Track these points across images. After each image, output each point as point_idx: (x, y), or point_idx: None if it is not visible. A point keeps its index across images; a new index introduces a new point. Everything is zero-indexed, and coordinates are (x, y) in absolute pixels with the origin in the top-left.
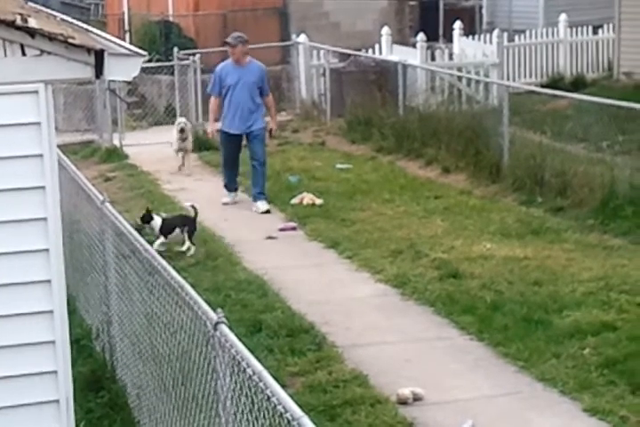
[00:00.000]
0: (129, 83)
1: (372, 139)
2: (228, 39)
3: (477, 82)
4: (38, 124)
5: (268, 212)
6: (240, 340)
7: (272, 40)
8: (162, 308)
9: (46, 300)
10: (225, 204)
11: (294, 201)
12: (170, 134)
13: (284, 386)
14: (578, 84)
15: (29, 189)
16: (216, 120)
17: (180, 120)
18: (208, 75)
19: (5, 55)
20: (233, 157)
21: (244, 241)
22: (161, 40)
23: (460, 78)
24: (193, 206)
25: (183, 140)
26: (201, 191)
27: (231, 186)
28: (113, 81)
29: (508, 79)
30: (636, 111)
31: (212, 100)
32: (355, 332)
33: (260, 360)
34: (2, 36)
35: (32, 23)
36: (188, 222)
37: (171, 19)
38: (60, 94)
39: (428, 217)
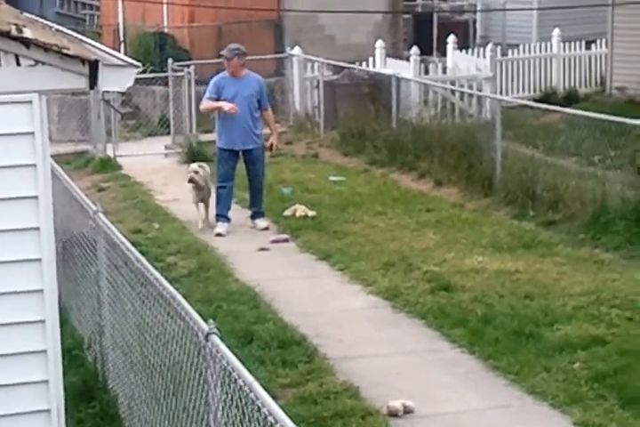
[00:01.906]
0: (123, 93)
1: (365, 151)
2: (224, 52)
3: (470, 96)
4: (32, 133)
5: (267, 228)
6: (231, 351)
7: (266, 52)
8: (154, 318)
9: (38, 309)
10: (219, 235)
11: (287, 213)
12: (160, 146)
13: (274, 397)
14: (570, 98)
15: (22, 198)
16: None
17: (192, 168)
18: (202, 86)
19: (0, 65)
20: (230, 175)
21: (236, 252)
22: (156, 51)
23: (453, 92)
24: None
25: (200, 189)
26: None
27: (224, 214)
28: (107, 92)
29: (501, 93)
30: (627, 126)
31: (206, 102)
32: (346, 344)
33: (251, 372)
34: None
35: (27, 33)
36: None
37: (166, 30)
38: (54, 105)
39: (420, 230)
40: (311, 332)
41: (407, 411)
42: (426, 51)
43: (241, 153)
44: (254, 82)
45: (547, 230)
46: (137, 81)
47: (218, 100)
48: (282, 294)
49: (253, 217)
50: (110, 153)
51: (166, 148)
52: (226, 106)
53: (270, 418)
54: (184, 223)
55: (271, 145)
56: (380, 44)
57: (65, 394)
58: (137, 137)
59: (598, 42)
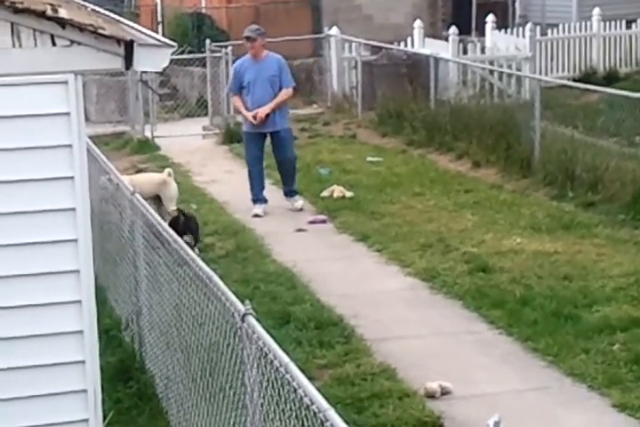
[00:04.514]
0: (161, 74)
1: (403, 132)
2: (248, 33)
3: (509, 76)
4: (68, 114)
5: (301, 209)
6: (268, 332)
7: (304, 33)
8: (190, 299)
9: (75, 290)
10: (256, 216)
11: (324, 194)
12: (198, 127)
13: (311, 378)
14: (611, 78)
15: (58, 179)
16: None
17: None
18: None
19: (35, 45)
20: (259, 157)
21: (273, 233)
22: (193, 32)
23: (491, 72)
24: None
25: None
26: (231, 183)
27: (259, 197)
28: (145, 72)
29: (541, 73)
30: None
31: (234, 99)
32: (383, 325)
33: (288, 353)
34: (32, 26)
35: (62, 13)
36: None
37: (203, 11)
38: (92, 86)
39: (458, 211)
40: (348, 313)
41: (444, 392)
42: (464, 30)
43: (268, 135)
44: (274, 62)
45: (586, 211)
46: (175, 62)
47: (241, 87)
48: (319, 274)
49: (287, 195)
50: (148, 134)
51: (204, 129)
52: (248, 115)
53: (306, 399)
54: (221, 204)
55: (255, 115)
56: (418, 23)
57: (102, 374)
58: (175, 118)
59: (639, 21)
